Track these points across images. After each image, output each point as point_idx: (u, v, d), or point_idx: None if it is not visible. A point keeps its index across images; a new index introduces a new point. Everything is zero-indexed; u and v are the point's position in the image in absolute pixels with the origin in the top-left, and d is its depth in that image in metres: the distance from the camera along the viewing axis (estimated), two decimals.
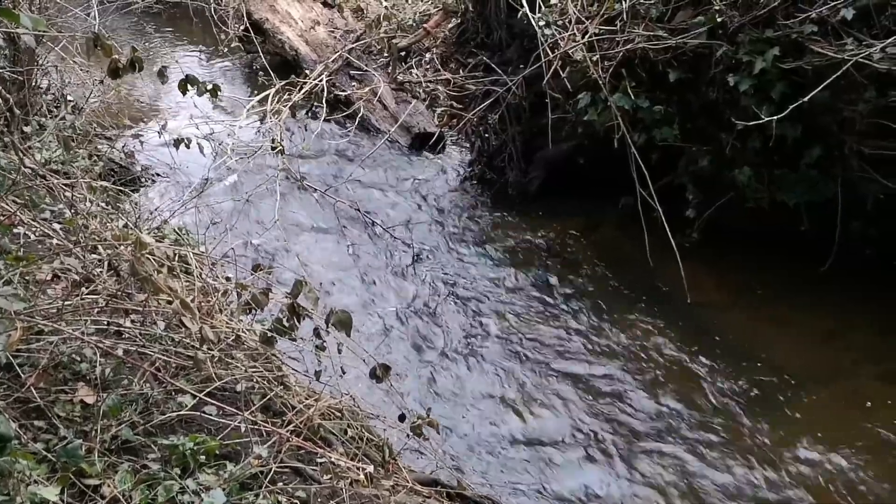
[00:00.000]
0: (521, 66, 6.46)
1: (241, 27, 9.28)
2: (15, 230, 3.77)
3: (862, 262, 5.17)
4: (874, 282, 5.07)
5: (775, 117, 4.50)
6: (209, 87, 3.61)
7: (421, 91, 7.97)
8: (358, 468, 3.04)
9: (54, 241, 3.71)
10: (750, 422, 4.36)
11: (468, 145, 7.32)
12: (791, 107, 4.44)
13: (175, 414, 2.95)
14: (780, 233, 5.44)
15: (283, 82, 7.53)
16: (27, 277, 3.40)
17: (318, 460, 3.02)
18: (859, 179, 4.98)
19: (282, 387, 3.39)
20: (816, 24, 4.71)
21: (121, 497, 2.52)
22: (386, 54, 8.39)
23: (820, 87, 4.43)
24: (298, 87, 7.44)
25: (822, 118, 4.88)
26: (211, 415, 3.00)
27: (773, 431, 4.29)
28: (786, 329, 5.01)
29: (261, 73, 8.42)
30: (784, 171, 5.20)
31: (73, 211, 4.09)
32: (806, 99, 4.43)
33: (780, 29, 4.85)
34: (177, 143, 5.07)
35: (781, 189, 5.25)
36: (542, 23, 5.93)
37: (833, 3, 4.64)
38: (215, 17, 9.48)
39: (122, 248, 3.48)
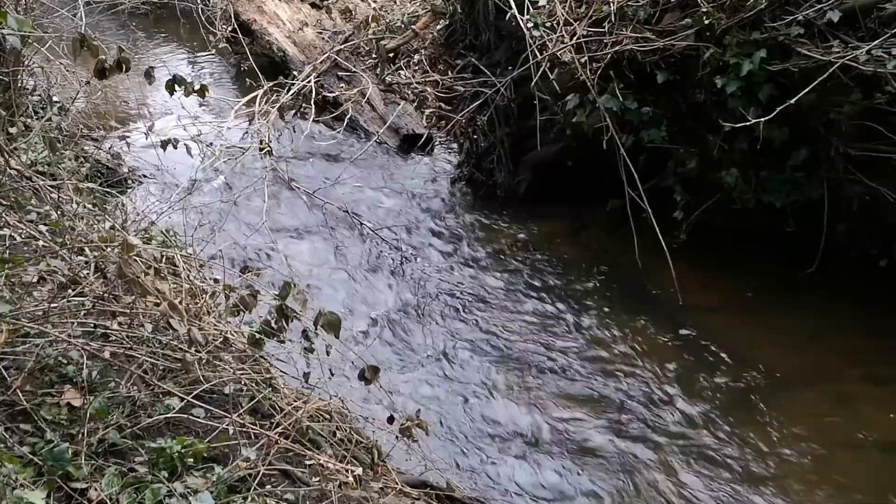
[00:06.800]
0: (510, 67, 6.47)
1: (229, 28, 9.24)
2: (0, 232, 3.74)
3: (848, 264, 5.21)
4: (860, 283, 5.11)
5: (762, 119, 4.53)
6: (196, 87, 3.61)
7: (409, 92, 7.96)
8: (347, 470, 3.03)
9: (40, 243, 3.69)
10: (736, 423, 4.38)
11: (456, 147, 7.31)
12: (778, 109, 4.47)
13: (162, 416, 2.94)
14: (767, 234, 5.47)
15: (271, 83, 7.50)
16: (13, 280, 3.38)
17: (307, 462, 3.01)
18: (845, 181, 5.01)
19: (270, 389, 3.37)
20: (803, 26, 4.74)
21: (108, 501, 2.51)
22: (374, 56, 8.38)
23: (806, 90, 4.46)
24: (286, 89, 7.41)
25: (808, 120, 4.91)
26: (199, 417, 2.99)
27: (758, 432, 4.31)
28: (772, 330, 5.03)
29: (248, 74, 8.39)
30: (770, 172, 5.23)
31: (59, 212, 4.07)
32: (792, 101, 4.45)
33: (767, 31, 4.88)
34: (164, 144, 5.04)
35: (768, 190, 5.28)
36: (530, 24, 5.94)
37: (819, 6, 4.68)
38: (203, 18, 9.43)
39: (108, 249, 3.47)
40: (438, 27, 8.48)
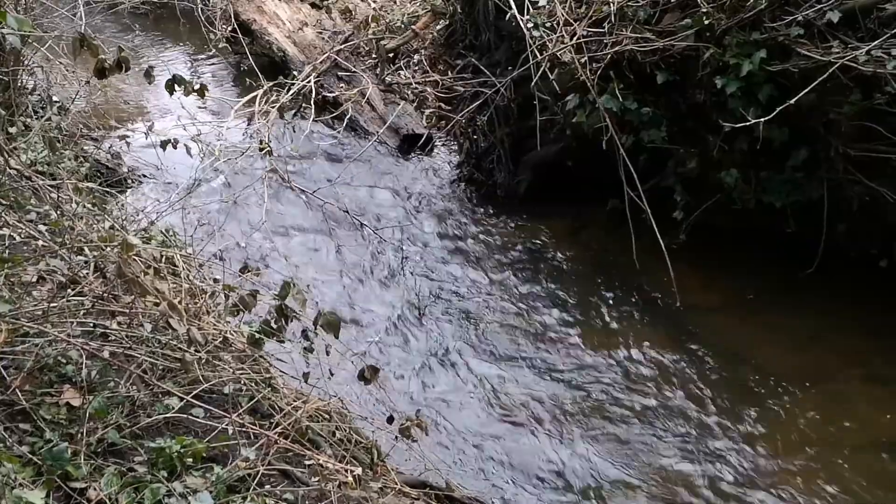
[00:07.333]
0: (510, 67, 6.47)
1: (229, 28, 9.24)
2: (0, 232, 3.74)
3: (848, 264, 5.21)
4: (860, 283, 5.11)
5: (762, 119, 4.53)
6: (196, 87, 3.61)
7: (409, 92, 7.96)
8: (346, 470, 3.03)
9: (40, 243, 3.68)
10: (736, 423, 4.38)
11: (456, 147, 7.31)
12: (778, 109, 4.47)
13: (162, 416, 2.94)
14: (767, 234, 5.47)
15: (271, 83, 7.50)
16: (12, 279, 3.38)
17: (307, 462, 3.01)
18: (845, 181, 5.01)
19: (270, 389, 3.37)
20: (803, 26, 4.74)
21: (107, 500, 2.51)
22: (374, 56, 8.38)
23: (806, 90, 4.46)
24: (286, 89, 7.41)
25: (808, 120, 4.91)
26: (198, 417, 2.99)
27: (758, 432, 4.31)
28: (772, 331, 5.03)
29: (248, 74, 8.39)
30: (770, 173, 5.23)
31: (58, 212, 4.06)
32: (792, 101, 4.45)
33: (767, 31, 4.87)
34: (164, 144, 5.04)
35: (768, 191, 5.28)
36: (530, 25, 5.94)
37: (819, 6, 4.68)
38: (203, 18, 9.43)
39: (108, 249, 3.47)
40: (438, 27, 8.48)
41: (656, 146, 5.60)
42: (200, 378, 3.08)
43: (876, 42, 4.42)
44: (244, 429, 2.98)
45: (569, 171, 6.26)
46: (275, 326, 3.39)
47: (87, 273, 3.51)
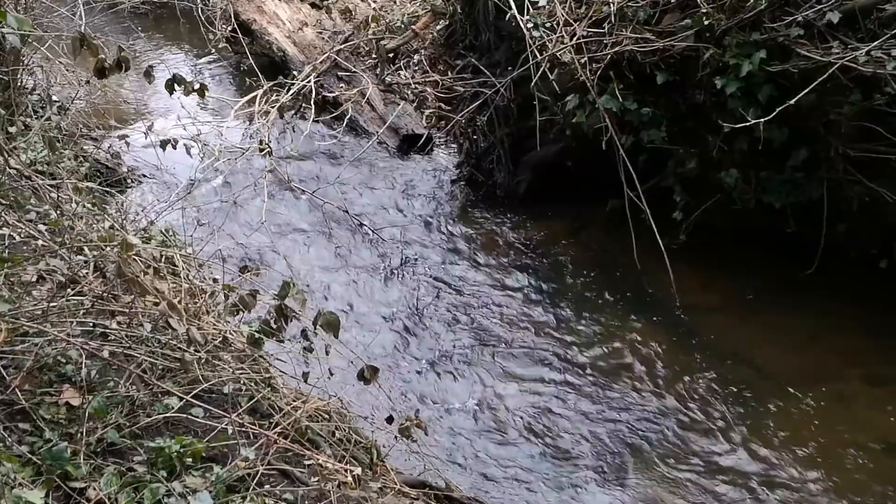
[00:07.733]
0: (510, 67, 6.47)
1: (229, 28, 9.24)
2: (0, 231, 3.74)
3: (848, 264, 5.21)
4: (860, 283, 5.11)
5: (762, 120, 4.53)
6: (196, 86, 3.61)
7: (409, 93, 7.97)
8: (346, 470, 3.03)
9: (40, 243, 3.68)
10: (735, 423, 4.38)
11: (456, 147, 7.31)
12: (777, 109, 4.47)
13: (161, 416, 2.94)
14: (767, 234, 5.47)
15: (271, 83, 7.50)
16: (12, 279, 3.38)
17: (306, 462, 3.01)
18: (845, 182, 5.01)
19: (269, 389, 3.37)
20: (803, 27, 4.74)
21: (106, 500, 2.51)
22: (374, 56, 8.38)
23: (806, 91, 4.46)
24: (286, 89, 7.42)
25: (808, 121, 4.91)
26: (198, 417, 2.98)
27: (757, 433, 4.31)
28: (772, 331, 5.03)
29: (248, 74, 8.39)
30: (770, 173, 5.23)
31: (58, 212, 4.06)
32: (792, 102, 4.45)
33: (767, 32, 4.87)
34: (163, 144, 5.04)
35: (768, 191, 5.28)
36: (530, 25, 5.93)
37: (819, 7, 4.68)
38: (203, 18, 9.43)
39: (108, 249, 3.46)
40: (438, 27, 8.48)
41: (656, 146, 5.60)
42: (200, 378, 3.08)
43: (876, 43, 4.42)
44: (244, 429, 2.98)
45: (569, 171, 6.26)
46: (274, 326, 3.38)
47: (87, 273, 3.51)
